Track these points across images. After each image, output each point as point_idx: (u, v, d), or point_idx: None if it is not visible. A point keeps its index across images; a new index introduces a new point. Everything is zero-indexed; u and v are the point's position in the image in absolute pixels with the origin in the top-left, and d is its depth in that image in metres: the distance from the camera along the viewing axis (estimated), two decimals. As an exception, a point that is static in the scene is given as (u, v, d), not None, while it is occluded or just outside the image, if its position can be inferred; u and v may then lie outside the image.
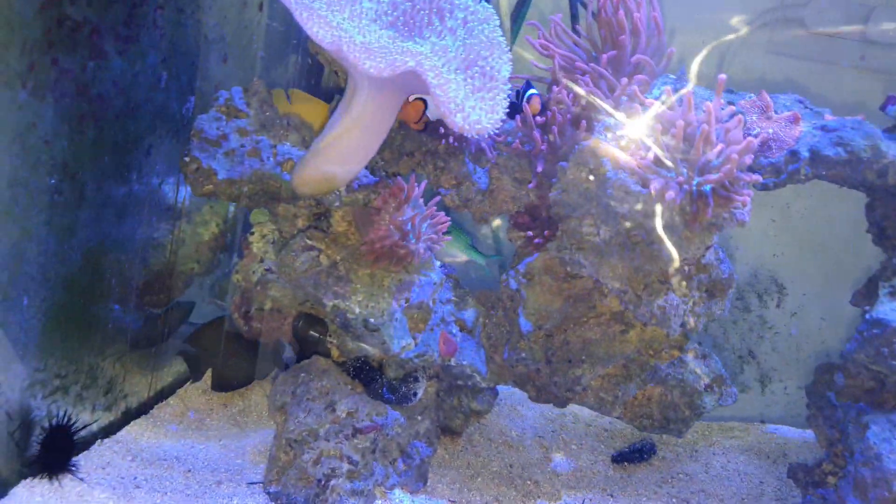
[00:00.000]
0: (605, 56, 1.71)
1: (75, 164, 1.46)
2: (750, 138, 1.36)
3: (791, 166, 1.70)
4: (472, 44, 1.48)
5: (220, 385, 2.05)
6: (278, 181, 1.80)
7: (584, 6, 1.91)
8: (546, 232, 1.82)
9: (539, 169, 1.75)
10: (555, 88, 1.76)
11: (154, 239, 1.85)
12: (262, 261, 1.91)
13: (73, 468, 1.44)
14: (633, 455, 1.95)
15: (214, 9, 1.98)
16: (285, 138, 1.87)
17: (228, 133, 1.82)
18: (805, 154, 1.68)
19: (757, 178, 1.38)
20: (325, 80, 2.36)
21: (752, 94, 1.92)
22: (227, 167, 1.77)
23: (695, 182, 1.39)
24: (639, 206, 1.47)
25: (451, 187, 1.95)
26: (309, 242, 1.72)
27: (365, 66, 1.31)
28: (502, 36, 1.52)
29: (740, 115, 1.37)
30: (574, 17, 1.84)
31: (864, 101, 2.33)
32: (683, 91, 1.50)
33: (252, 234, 1.83)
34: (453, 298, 1.94)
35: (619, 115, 1.58)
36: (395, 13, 1.53)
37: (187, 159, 1.78)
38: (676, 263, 1.49)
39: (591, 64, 1.68)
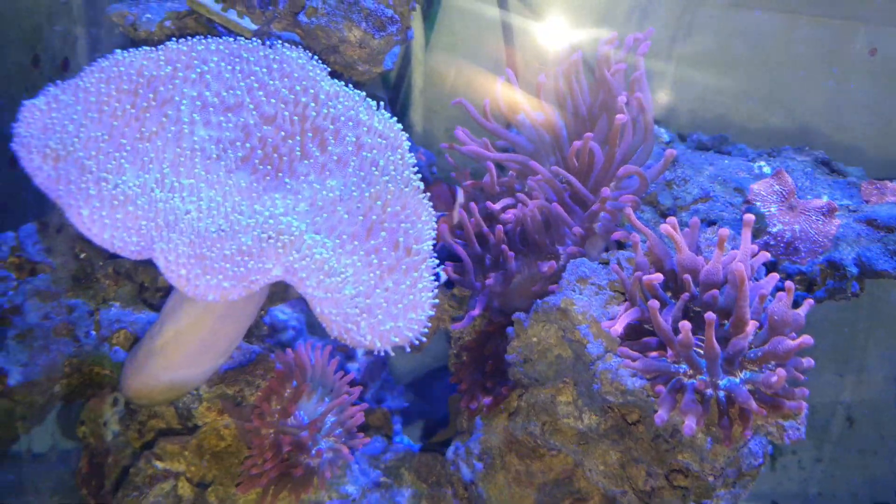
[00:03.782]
0: (575, 144, 1.33)
1: None
2: (801, 317, 1.03)
3: (832, 282, 1.39)
4: (376, 193, 1.08)
5: None
6: (107, 364, 1.39)
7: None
8: (503, 388, 1.47)
9: (476, 312, 1.38)
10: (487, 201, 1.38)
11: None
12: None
13: None
14: None
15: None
16: (111, 295, 1.43)
17: (21, 302, 1.37)
18: (853, 269, 1.37)
19: (810, 362, 1.05)
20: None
21: (764, 163, 1.59)
22: (24, 360, 1.34)
23: (723, 384, 1.05)
24: (639, 396, 1.14)
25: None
26: (160, 467, 1.31)
27: (196, 293, 0.89)
28: (417, 171, 1.12)
29: (791, 287, 1.02)
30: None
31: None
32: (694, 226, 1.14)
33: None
34: (383, 479, 1.57)
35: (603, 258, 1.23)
36: (248, 143, 1.11)
37: (-41, 349, 1.33)
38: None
39: (555, 168, 1.29)
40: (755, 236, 1.45)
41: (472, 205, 1.41)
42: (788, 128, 1.93)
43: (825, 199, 1.45)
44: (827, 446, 2.48)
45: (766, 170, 1.57)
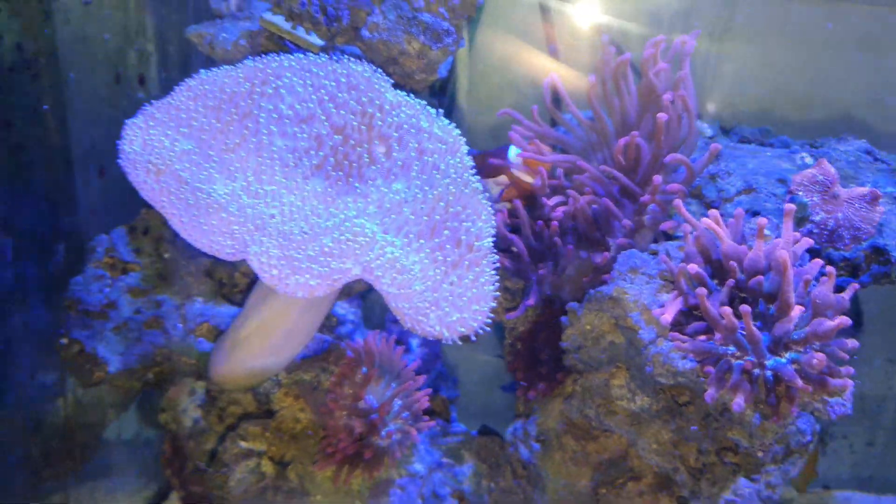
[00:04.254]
0: (622, 141, 1.40)
1: None
2: (844, 300, 1.09)
3: (877, 267, 1.43)
4: (438, 194, 1.17)
5: None
6: (192, 354, 1.50)
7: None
8: (558, 374, 1.55)
9: (531, 302, 1.47)
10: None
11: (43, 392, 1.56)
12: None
13: None
14: None
15: (76, 100, 1.62)
16: (195, 290, 1.54)
17: (116, 298, 1.50)
18: (897, 254, 1.41)
19: (855, 344, 1.11)
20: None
21: (806, 154, 1.63)
22: (121, 349, 1.47)
23: (770, 364, 1.12)
24: (690, 378, 1.21)
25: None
26: (245, 446, 1.43)
27: (287, 290, 0.99)
28: (475, 173, 1.20)
29: (832, 272, 1.08)
30: (556, 102, 1.52)
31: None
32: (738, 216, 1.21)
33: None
34: (446, 460, 1.67)
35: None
36: (321, 152, 1.21)
37: (65, 342, 1.47)
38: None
39: (603, 167, 1.36)
40: (798, 225, 1.50)
41: (518, 202, 1.48)
42: (830, 118, 1.95)
43: (868, 186, 1.49)
44: (879, 431, 2.49)
45: (809, 160, 1.61)
